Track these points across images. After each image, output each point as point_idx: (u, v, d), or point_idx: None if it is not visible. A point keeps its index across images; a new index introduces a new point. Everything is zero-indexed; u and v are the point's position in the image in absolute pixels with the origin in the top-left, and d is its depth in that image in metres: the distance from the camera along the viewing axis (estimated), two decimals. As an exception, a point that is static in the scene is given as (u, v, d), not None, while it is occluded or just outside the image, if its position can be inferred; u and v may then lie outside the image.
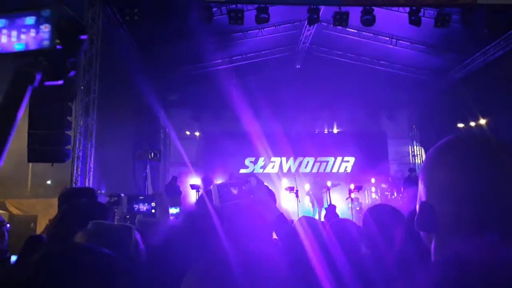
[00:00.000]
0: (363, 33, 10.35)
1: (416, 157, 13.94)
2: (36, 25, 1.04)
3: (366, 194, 11.97)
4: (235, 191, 1.43)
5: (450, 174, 0.78)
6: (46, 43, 1.03)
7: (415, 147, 14.05)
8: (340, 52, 11.72)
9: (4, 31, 1.06)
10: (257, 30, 10.07)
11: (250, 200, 1.44)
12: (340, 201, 10.58)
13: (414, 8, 8.21)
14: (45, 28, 1.03)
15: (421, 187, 0.83)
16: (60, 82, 1.08)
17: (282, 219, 1.46)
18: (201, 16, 8.07)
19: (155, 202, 3.66)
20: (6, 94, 1.03)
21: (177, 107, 12.80)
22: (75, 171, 7.88)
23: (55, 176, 10.22)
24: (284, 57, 11.75)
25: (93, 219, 1.53)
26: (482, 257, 0.69)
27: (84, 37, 1.09)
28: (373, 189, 12.06)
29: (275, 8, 8.61)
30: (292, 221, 1.83)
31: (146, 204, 3.85)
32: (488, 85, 9.74)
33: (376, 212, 1.95)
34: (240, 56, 11.24)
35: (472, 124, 12.62)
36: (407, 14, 8.39)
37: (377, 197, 11.88)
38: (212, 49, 9.26)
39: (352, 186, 10.63)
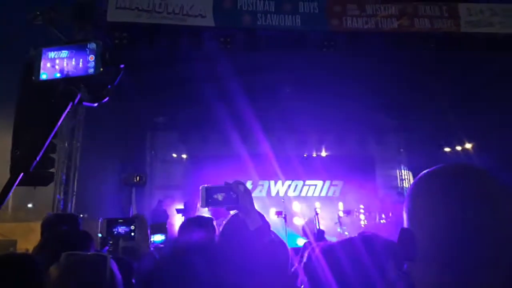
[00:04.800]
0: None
1: (404, 181, 13.99)
2: (84, 55, 1.22)
3: (355, 218, 11.91)
4: (221, 197, 1.44)
5: (428, 202, 0.80)
6: (91, 71, 1.20)
7: (402, 171, 14.12)
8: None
9: (63, 60, 1.24)
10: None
11: (234, 207, 1.44)
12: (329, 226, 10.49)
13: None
14: (91, 59, 1.21)
15: (404, 215, 0.87)
16: (95, 105, 1.25)
17: (262, 230, 1.43)
18: (191, 42, 8.11)
19: (134, 225, 3.61)
20: (50, 106, 1.19)
21: (164, 130, 12.71)
22: (57, 195, 7.69)
23: (36, 199, 9.97)
24: (274, 80, 11.83)
25: (74, 248, 1.49)
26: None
27: (122, 66, 1.28)
28: (362, 213, 12.01)
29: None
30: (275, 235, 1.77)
31: (125, 227, 3.75)
32: (474, 110, 9.91)
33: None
34: (228, 79, 11.26)
35: (458, 148, 12.80)
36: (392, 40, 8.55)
37: (365, 221, 11.81)
38: (201, 72, 9.27)
39: (341, 213, 10.60)
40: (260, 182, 13.16)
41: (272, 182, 13.38)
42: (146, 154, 12.74)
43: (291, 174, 12.93)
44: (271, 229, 1.65)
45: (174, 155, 13.34)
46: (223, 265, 1.43)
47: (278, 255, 1.50)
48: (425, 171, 0.88)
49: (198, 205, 8.87)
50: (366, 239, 1.92)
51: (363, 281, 1.48)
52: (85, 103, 1.23)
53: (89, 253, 1.64)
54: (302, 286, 1.43)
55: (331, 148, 13.80)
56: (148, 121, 11.25)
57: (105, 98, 1.25)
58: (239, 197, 1.45)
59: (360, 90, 10.26)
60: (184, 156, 13.40)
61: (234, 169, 11.61)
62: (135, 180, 8.11)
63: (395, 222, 10.48)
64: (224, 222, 1.66)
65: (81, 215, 8.97)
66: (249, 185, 13.04)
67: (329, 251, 1.39)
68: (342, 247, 1.38)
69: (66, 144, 7.79)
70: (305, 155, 13.86)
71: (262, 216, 1.59)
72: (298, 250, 4.38)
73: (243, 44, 8.27)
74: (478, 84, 9.12)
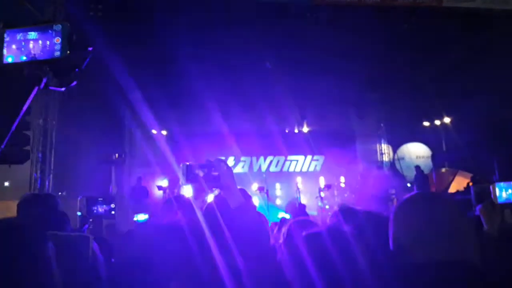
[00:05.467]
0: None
1: (384, 155, 14.22)
2: (50, 38, 1.17)
3: (336, 192, 12.11)
4: (202, 174, 1.45)
5: (402, 218, 1.27)
6: (57, 54, 1.15)
7: (382, 145, 14.32)
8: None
9: (30, 42, 1.20)
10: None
11: (215, 184, 1.46)
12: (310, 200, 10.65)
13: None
14: (57, 41, 1.16)
15: (390, 226, 1.29)
16: (63, 89, 1.23)
17: (244, 208, 1.43)
18: (169, 15, 7.85)
19: (114, 204, 3.60)
20: (15, 91, 1.16)
21: (143, 106, 12.44)
22: (34, 173, 7.52)
23: (14, 178, 9.74)
24: (254, 55, 11.66)
25: (51, 229, 1.48)
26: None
27: (91, 48, 1.23)
28: (343, 186, 12.21)
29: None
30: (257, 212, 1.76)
31: (105, 205, 3.72)
32: (453, 84, 10.03)
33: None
34: (209, 55, 11.05)
35: (437, 122, 13.05)
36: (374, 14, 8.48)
37: (346, 195, 12.02)
38: (180, 47, 9.04)
39: (321, 184, 10.74)
40: (242, 158, 13.18)
41: (254, 158, 13.42)
42: (125, 131, 12.51)
43: (273, 150, 12.99)
44: (252, 204, 1.64)
45: (154, 131, 13.15)
46: (203, 245, 1.41)
47: (260, 233, 1.50)
48: (403, 198, 1.31)
49: (180, 182, 8.84)
50: (346, 212, 1.92)
51: (348, 264, 1.49)
52: (51, 88, 1.20)
53: (72, 234, 1.61)
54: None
55: (313, 124, 13.84)
56: (126, 97, 10.98)
57: (72, 82, 1.22)
58: (221, 175, 1.44)
59: (341, 64, 10.23)
60: (164, 132, 13.22)
61: (215, 146, 11.56)
62: (114, 158, 8.00)
63: (375, 195, 10.69)
64: (207, 200, 1.65)
65: (60, 193, 8.83)
66: (231, 161, 13.05)
67: (313, 237, 1.39)
68: (328, 233, 1.37)
69: (41, 121, 7.55)
70: (286, 131, 13.89)
71: (244, 193, 1.57)
72: (278, 224, 4.42)
73: (223, 17, 8.06)
74: (458, 59, 9.20)
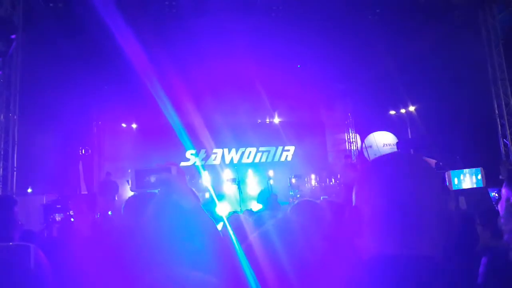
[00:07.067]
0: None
1: (352, 144, 14.55)
2: None
3: (306, 182, 12.31)
4: (153, 179, 1.39)
5: (373, 184, 0.95)
6: None
7: (351, 134, 14.65)
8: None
9: None
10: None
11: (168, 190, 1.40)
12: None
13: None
14: None
15: (353, 197, 0.99)
16: None
17: (197, 210, 1.41)
18: (135, 6, 7.66)
19: (72, 210, 3.41)
20: None
21: (112, 99, 12.15)
22: (-4, 171, 7.22)
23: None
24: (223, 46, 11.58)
25: None
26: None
27: (13, 36, 1.07)
28: (313, 176, 12.42)
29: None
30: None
31: (62, 213, 3.52)
32: (419, 73, 10.34)
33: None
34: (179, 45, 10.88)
35: (403, 110, 13.45)
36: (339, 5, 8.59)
37: (316, 184, 12.25)
38: (148, 38, 8.85)
39: (292, 177, 10.90)
40: (214, 150, 13.14)
41: (226, 150, 13.40)
42: (92, 125, 12.18)
43: (244, 141, 13.03)
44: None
45: (124, 125, 12.88)
46: (160, 247, 1.37)
47: (214, 229, 1.47)
48: (370, 161, 1.05)
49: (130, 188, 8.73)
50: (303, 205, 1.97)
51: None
52: None
53: (10, 244, 1.49)
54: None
55: (283, 115, 13.97)
56: (92, 90, 10.65)
57: None
58: (172, 179, 1.39)
59: (310, 55, 10.34)
60: (134, 126, 12.97)
61: (187, 138, 11.45)
62: (80, 153, 7.77)
63: (343, 184, 10.95)
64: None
65: (28, 190, 8.55)
66: (203, 153, 12.99)
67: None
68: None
69: (2, 117, 7.24)
70: (259, 121, 13.97)
71: (195, 195, 1.55)
72: (251, 213, 4.47)
73: (190, 7, 7.95)
74: (422, 48, 9.48)
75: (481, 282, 1.53)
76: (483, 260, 1.56)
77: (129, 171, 1.44)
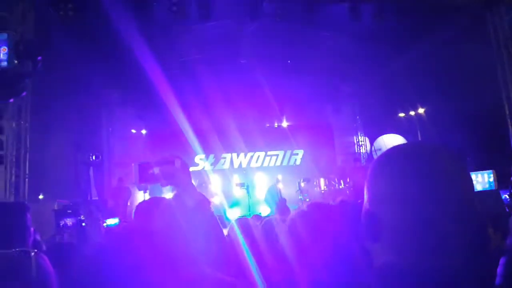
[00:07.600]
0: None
1: (361, 147, 14.47)
2: None
3: (315, 186, 12.26)
4: (156, 171, 1.36)
5: (389, 183, 0.79)
6: (4, 64, 1.04)
7: (359, 137, 14.57)
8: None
9: None
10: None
11: (171, 182, 1.37)
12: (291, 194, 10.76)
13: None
14: (4, 50, 1.06)
15: (365, 196, 0.84)
16: (11, 100, 1.09)
17: (202, 206, 1.37)
18: (141, 12, 7.73)
19: (84, 215, 3.39)
20: None
21: (121, 105, 12.26)
22: (9, 178, 7.31)
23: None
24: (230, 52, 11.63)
25: (8, 242, 1.42)
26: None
27: (40, 58, 1.11)
28: (322, 180, 12.36)
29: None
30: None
31: (73, 218, 3.50)
32: (427, 75, 10.26)
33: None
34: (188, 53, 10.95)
35: (412, 113, 13.35)
36: (346, 9, 8.58)
37: (325, 187, 12.19)
38: (156, 44, 8.93)
39: (301, 181, 10.89)
40: (223, 155, 13.18)
41: (234, 155, 13.43)
42: (102, 131, 12.30)
43: (253, 145, 13.05)
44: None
45: (133, 130, 12.98)
46: (164, 248, 1.35)
47: (218, 228, 1.43)
48: (384, 152, 0.85)
49: (134, 182, 8.77)
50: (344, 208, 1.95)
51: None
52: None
53: (11, 251, 1.52)
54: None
55: (292, 119, 13.97)
56: (103, 96, 10.78)
57: (22, 92, 1.13)
58: (175, 172, 1.36)
59: (316, 60, 10.33)
60: (143, 131, 13.07)
61: (196, 143, 11.50)
62: (91, 159, 7.82)
63: (353, 187, 10.90)
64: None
65: (40, 197, 8.65)
66: (212, 158, 13.03)
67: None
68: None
69: (14, 125, 7.34)
70: (267, 125, 13.98)
71: (199, 193, 1.51)
72: (259, 218, 4.47)
73: (196, 13, 8.00)
74: (430, 50, 9.42)
75: (501, 283, 1.49)
76: (502, 260, 1.51)
77: (133, 165, 1.40)
